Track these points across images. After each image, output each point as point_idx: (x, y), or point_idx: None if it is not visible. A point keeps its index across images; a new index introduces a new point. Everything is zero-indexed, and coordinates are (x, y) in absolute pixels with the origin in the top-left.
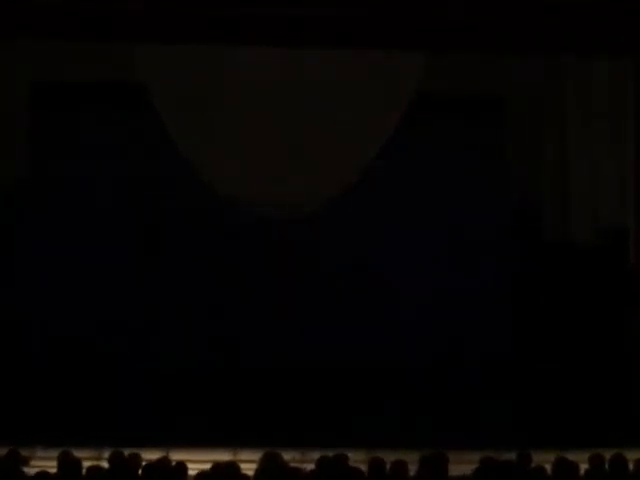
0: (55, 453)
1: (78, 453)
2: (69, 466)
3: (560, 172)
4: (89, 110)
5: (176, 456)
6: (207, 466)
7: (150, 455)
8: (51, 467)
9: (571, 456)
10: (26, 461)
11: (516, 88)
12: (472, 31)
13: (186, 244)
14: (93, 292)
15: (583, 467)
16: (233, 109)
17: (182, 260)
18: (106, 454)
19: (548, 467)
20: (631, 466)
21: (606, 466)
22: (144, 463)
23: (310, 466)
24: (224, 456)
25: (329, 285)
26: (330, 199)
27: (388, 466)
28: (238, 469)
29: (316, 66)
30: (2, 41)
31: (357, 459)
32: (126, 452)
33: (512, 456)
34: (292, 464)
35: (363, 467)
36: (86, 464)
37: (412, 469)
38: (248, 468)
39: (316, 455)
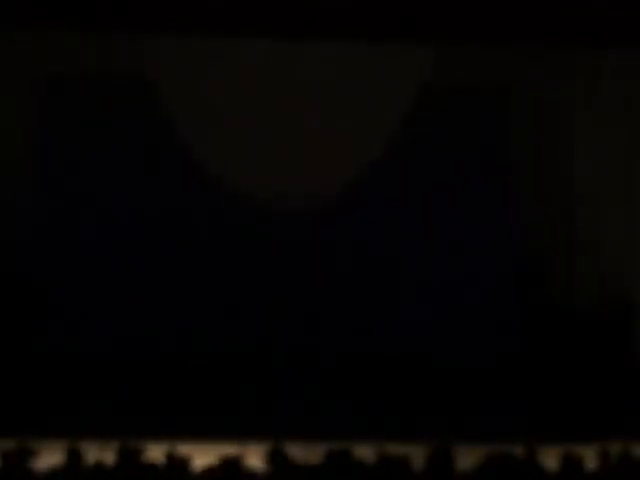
0: (61, 445)
1: (84, 445)
2: (75, 458)
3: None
4: (99, 104)
5: (182, 449)
6: (212, 459)
7: (156, 447)
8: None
9: (577, 450)
10: (33, 453)
11: (522, 84)
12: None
13: (188, 241)
14: (96, 284)
15: (589, 461)
16: (238, 107)
17: (186, 257)
18: (113, 446)
19: (554, 461)
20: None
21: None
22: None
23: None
24: (230, 449)
25: (333, 280)
26: (332, 197)
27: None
28: (243, 462)
29: (319, 63)
30: (13, 37)
31: (363, 453)
32: (132, 444)
33: (518, 450)
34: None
35: (368, 461)
36: (92, 456)
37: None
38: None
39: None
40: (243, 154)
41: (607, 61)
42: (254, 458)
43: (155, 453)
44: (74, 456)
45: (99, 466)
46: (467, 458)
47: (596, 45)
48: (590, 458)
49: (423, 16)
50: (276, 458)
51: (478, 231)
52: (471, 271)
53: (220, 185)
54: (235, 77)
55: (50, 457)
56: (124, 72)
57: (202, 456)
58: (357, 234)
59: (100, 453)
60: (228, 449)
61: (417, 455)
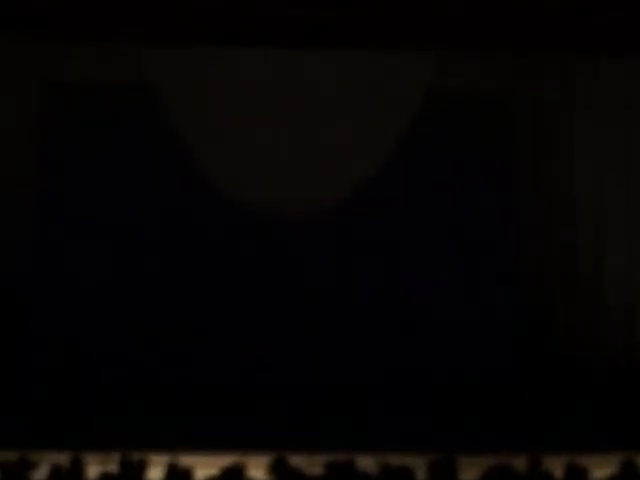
0: (63, 457)
1: (86, 457)
2: (78, 470)
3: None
4: (100, 111)
5: (184, 460)
6: (215, 470)
7: (158, 459)
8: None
9: (582, 460)
10: (34, 466)
11: (522, 85)
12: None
13: (192, 247)
14: (99, 296)
15: (594, 472)
16: (239, 111)
17: (186, 264)
18: (114, 458)
19: (558, 472)
20: None
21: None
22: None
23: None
24: (232, 460)
25: (334, 292)
26: (334, 203)
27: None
28: (245, 473)
29: (323, 68)
30: (15, 41)
31: (365, 463)
32: (134, 455)
33: (522, 461)
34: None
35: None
36: (94, 468)
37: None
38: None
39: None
40: (244, 159)
41: (606, 62)
42: (256, 469)
43: (157, 465)
44: (76, 468)
45: (102, 478)
46: (470, 469)
47: (595, 49)
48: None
49: (424, 23)
50: (279, 469)
51: (478, 234)
52: (471, 275)
53: (220, 191)
54: (236, 82)
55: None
56: (124, 77)
57: (204, 467)
58: (356, 239)
59: (102, 465)
60: (230, 460)
61: (420, 466)
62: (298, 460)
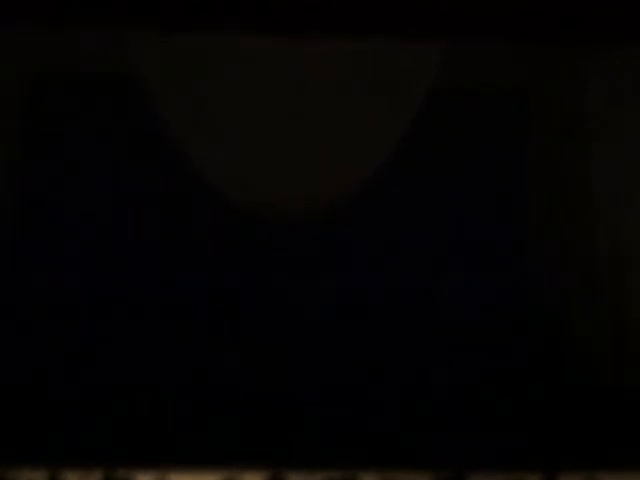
0: (41, 474)
1: (66, 474)
2: None
3: None
4: (87, 102)
5: (172, 477)
6: None
7: (145, 477)
8: None
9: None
10: None
11: (538, 82)
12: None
13: (189, 246)
14: (83, 301)
15: None
16: (234, 107)
17: (182, 263)
18: (97, 475)
19: None
20: None
21: None
22: None
23: None
24: (223, 478)
25: (333, 292)
26: (334, 203)
27: None
28: None
29: (324, 62)
30: (2, 29)
31: None
32: (119, 473)
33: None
34: None
35: None
36: None
37: None
38: None
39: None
40: (243, 159)
41: (624, 58)
42: None
43: None
44: None
45: None
46: None
47: (613, 41)
48: None
49: (434, 13)
50: None
51: (491, 233)
52: (475, 275)
53: (213, 189)
54: (228, 74)
55: None
56: (115, 67)
57: None
58: (356, 239)
59: None
60: (221, 477)
61: None
62: (296, 478)
